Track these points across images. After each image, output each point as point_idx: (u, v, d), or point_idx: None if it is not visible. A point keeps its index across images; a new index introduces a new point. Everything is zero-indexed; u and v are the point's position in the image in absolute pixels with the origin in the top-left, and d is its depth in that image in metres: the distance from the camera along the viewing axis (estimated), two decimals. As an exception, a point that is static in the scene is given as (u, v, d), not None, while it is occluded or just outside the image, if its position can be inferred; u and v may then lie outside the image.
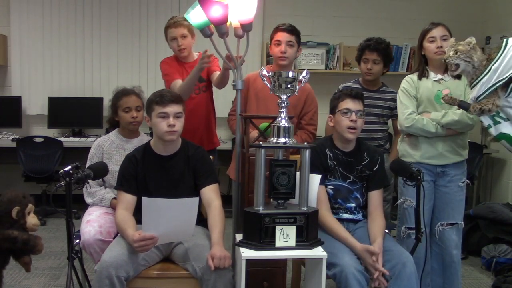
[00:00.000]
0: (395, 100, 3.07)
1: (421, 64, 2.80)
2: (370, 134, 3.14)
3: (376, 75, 3.17)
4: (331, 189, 2.54)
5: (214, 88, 4.45)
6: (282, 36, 2.93)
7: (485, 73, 2.32)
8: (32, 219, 2.25)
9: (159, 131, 2.39)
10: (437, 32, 2.70)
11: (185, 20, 3.13)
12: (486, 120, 2.40)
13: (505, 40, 2.35)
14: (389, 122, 3.35)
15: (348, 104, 2.47)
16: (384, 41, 3.19)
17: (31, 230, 2.26)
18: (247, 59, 2.76)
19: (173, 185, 2.45)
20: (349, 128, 2.46)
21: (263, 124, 2.57)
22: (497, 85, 2.29)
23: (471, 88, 2.41)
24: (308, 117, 3.04)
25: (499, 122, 2.38)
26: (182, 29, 3.16)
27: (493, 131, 2.40)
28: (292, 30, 2.96)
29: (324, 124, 3.21)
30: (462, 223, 2.80)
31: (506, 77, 2.27)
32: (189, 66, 3.24)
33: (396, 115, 3.05)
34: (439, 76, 2.74)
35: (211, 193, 2.44)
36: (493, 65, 2.30)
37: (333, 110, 2.55)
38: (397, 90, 2.90)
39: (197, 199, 2.18)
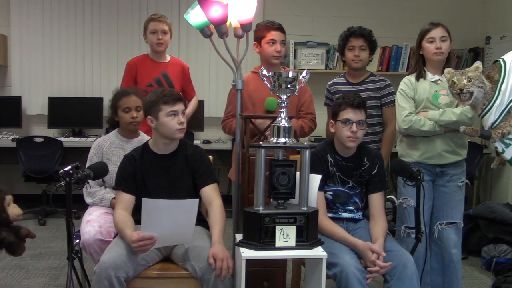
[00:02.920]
0: (382, 88, 3.06)
1: (419, 64, 2.80)
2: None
3: (364, 62, 3.08)
4: (330, 194, 2.54)
5: (213, 88, 4.52)
6: (277, 35, 2.94)
7: (495, 96, 2.31)
8: (13, 209, 2.16)
9: (170, 130, 2.39)
10: (436, 33, 2.69)
11: (167, 18, 3.27)
12: (499, 146, 2.39)
13: (501, 61, 2.36)
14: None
15: (349, 114, 2.44)
16: (366, 28, 3.11)
17: (15, 220, 2.20)
18: (246, 59, 2.76)
19: (171, 184, 2.45)
20: (349, 137, 2.44)
21: (270, 99, 2.55)
22: (510, 106, 2.29)
23: (482, 117, 2.39)
24: (305, 106, 3.05)
25: (509, 145, 2.36)
26: (164, 25, 3.36)
27: (506, 155, 2.39)
28: (282, 28, 2.99)
29: (323, 125, 3.20)
30: (461, 222, 2.80)
31: None
32: (161, 65, 3.41)
33: (386, 103, 3.05)
34: (436, 77, 2.74)
35: (211, 193, 2.44)
36: (501, 86, 2.29)
37: (334, 116, 2.52)
38: (395, 89, 2.90)
39: (197, 200, 2.18)
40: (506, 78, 2.29)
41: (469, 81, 2.32)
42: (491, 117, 2.34)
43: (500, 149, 2.39)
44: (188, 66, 3.61)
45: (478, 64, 2.37)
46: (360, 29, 3.06)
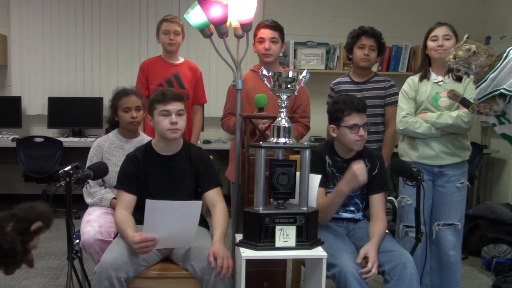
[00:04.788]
0: (387, 88, 3.06)
1: (424, 64, 2.80)
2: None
3: (372, 62, 3.08)
4: None
5: (213, 88, 4.50)
6: (265, 33, 2.93)
7: (483, 80, 2.31)
8: (36, 240, 2.21)
9: (162, 129, 2.39)
10: (439, 31, 2.70)
11: (180, 20, 3.28)
12: (491, 119, 2.41)
13: (507, 50, 2.33)
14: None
15: (355, 119, 2.41)
16: (378, 30, 3.11)
17: (31, 249, 2.21)
18: (246, 59, 2.76)
19: (174, 185, 2.45)
20: (357, 141, 2.43)
21: (260, 95, 2.56)
22: (492, 94, 2.29)
23: (476, 88, 2.40)
24: (301, 110, 3.03)
25: (503, 123, 2.38)
26: (176, 26, 3.38)
27: (497, 129, 2.42)
28: (275, 26, 2.95)
29: (323, 124, 3.19)
30: (459, 224, 2.78)
31: (499, 89, 2.25)
32: (173, 66, 3.43)
33: (389, 103, 3.05)
34: (439, 78, 2.75)
35: (215, 196, 2.45)
36: (491, 74, 2.29)
37: (336, 121, 2.46)
38: (399, 90, 2.90)
39: (200, 202, 2.18)
40: (500, 69, 2.27)
41: (454, 59, 2.34)
42: (475, 94, 2.38)
43: (491, 122, 2.42)
44: (201, 71, 3.60)
45: (470, 46, 2.33)
46: (372, 29, 3.08)
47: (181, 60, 3.51)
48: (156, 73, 3.40)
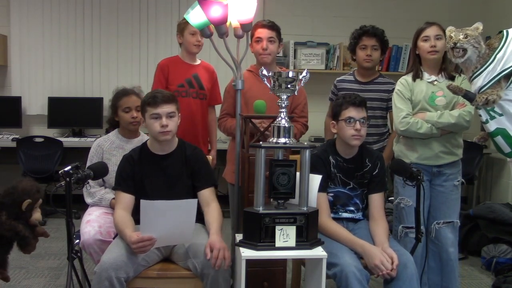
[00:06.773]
0: (390, 91, 3.03)
1: (415, 64, 2.79)
2: (368, 130, 3.08)
3: (375, 61, 3.07)
4: (331, 196, 2.54)
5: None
6: (263, 33, 2.92)
7: (489, 61, 2.28)
8: (37, 213, 2.24)
9: (153, 132, 2.41)
10: (431, 31, 2.69)
11: None
12: (484, 115, 2.37)
13: (504, 31, 2.32)
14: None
15: (351, 112, 2.43)
16: (379, 28, 3.10)
17: (34, 224, 2.24)
18: (246, 59, 2.76)
19: (170, 184, 2.46)
20: (354, 135, 2.44)
21: (258, 102, 2.56)
22: (501, 75, 2.26)
23: (472, 80, 2.37)
24: (299, 109, 3.02)
25: (494, 117, 2.36)
26: None
27: (489, 126, 2.37)
28: (272, 26, 2.94)
29: (323, 125, 3.20)
30: (458, 221, 2.80)
31: (510, 67, 2.23)
32: (192, 67, 3.40)
33: (391, 107, 3.03)
34: (433, 78, 2.74)
35: (209, 196, 2.46)
36: (497, 54, 2.27)
37: (336, 117, 2.51)
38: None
39: (195, 200, 2.18)
40: (505, 48, 2.26)
41: (465, 38, 2.28)
42: (479, 81, 2.31)
43: (484, 119, 2.37)
44: (216, 73, 3.58)
45: (478, 24, 2.31)
46: (373, 29, 3.05)
47: (198, 61, 3.47)
48: (177, 74, 3.35)
